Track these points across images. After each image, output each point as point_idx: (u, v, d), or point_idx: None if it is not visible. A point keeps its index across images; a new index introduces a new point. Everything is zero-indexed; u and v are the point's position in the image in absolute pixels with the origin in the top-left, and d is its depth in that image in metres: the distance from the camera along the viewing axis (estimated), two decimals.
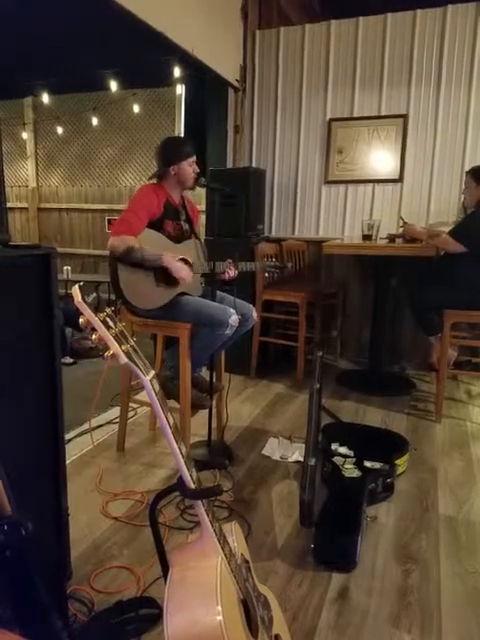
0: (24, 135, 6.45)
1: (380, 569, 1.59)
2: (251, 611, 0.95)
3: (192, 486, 0.92)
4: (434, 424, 2.76)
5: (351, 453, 2.21)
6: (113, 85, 4.96)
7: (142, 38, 2.76)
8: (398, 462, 2.12)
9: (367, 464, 2.10)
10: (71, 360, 3.76)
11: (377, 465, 2.09)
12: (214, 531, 0.92)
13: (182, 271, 2.10)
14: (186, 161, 2.19)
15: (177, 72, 4.36)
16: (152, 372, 0.91)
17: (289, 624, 1.29)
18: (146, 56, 3.76)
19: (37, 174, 6.61)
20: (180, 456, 0.91)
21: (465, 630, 1.36)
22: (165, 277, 2.12)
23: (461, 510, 1.93)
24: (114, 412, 2.71)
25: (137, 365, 0.88)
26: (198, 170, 2.22)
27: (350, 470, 2.07)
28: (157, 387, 0.91)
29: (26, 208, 6.72)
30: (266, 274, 2.47)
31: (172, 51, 3.11)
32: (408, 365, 3.72)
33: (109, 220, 6.24)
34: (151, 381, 0.90)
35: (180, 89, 5.46)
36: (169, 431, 0.91)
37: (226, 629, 0.81)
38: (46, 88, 5.46)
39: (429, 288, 2.94)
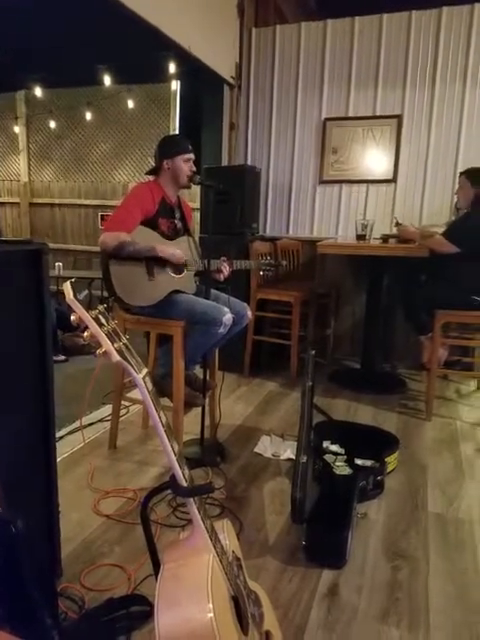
0: (16, 129, 6.40)
1: (370, 566, 1.61)
2: (242, 608, 0.96)
3: (184, 484, 0.92)
4: (424, 422, 2.78)
5: (342, 451, 2.23)
6: (107, 80, 4.93)
7: (138, 33, 2.75)
8: (388, 460, 2.13)
9: (358, 462, 2.12)
10: (63, 357, 3.74)
11: (368, 463, 2.11)
12: (206, 528, 0.93)
13: (177, 253, 2.10)
14: (180, 157, 2.18)
15: (172, 68, 4.36)
16: (145, 370, 0.91)
17: (280, 620, 1.30)
18: (141, 52, 3.74)
19: (29, 169, 6.56)
20: (172, 454, 0.91)
21: (452, 626, 1.38)
22: (159, 270, 2.11)
23: (450, 508, 1.95)
24: (106, 410, 2.71)
25: (130, 363, 0.88)
26: (194, 169, 2.22)
27: (341, 468, 2.08)
28: (150, 385, 0.91)
29: (18, 203, 6.68)
30: (261, 273, 2.48)
31: (168, 47, 3.10)
32: (399, 364, 3.74)
33: (102, 216, 6.21)
34: (144, 379, 0.90)
35: (175, 85, 5.45)
36: (162, 429, 0.91)
37: (217, 626, 0.81)
38: (39, 82, 5.42)
39: (421, 288, 2.96)
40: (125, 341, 0.89)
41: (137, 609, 1.36)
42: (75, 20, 3.61)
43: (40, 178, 6.57)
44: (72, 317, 0.84)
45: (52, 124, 6.14)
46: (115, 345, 0.85)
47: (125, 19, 2.53)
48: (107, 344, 0.84)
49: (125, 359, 0.87)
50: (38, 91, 5.53)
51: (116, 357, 0.85)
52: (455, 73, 3.43)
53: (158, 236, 2.16)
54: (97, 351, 0.86)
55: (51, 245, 1.32)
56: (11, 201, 6.70)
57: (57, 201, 6.50)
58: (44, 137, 6.41)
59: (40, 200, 6.58)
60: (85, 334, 0.86)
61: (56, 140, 6.35)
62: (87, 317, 0.84)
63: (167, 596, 0.85)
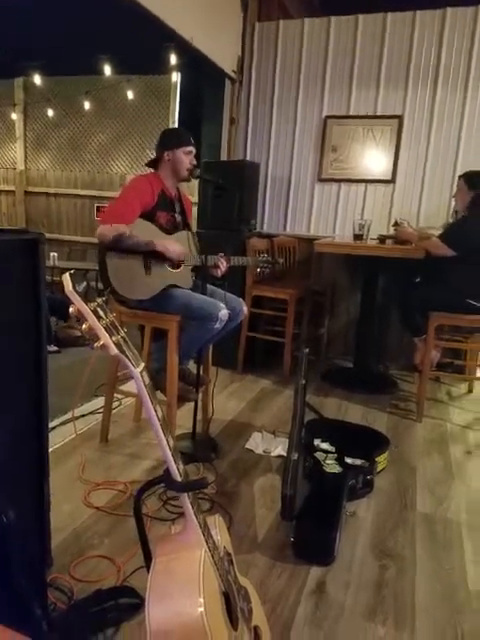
0: (13, 116, 6.33)
1: (357, 564, 1.62)
2: (232, 603, 0.97)
3: (179, 479, 0.93)
4: (415, 423, 2.80)
5: (333, 449, 2.24)
6: (107, 70, 4.89)
7: (140, 23, 2.72)
8: (378, 459, 2.15)
9: (348, 460, 2.13)
10: (56, 348, 3.72)
11: (358, 462, 2.12)
12: (199, 523, 0.93)
13: (177, 249, 2.09)
14: (181, 149, 2.18)
15: (174, 60, 4.32)
16: (142, 364, 0.91)
17: (268, 616, 1.31)
18: (143, 42, 3.71)
19: (26, 157, 6.50)
20: (168, 449, 0.92)
21: (438, 624, 1.39)
22: (156, 263, 2.11)
23: (439, 508, 1.97)
24: (98, 402, 2.70)
25: (128, 357, 0.88)
26: (195, 162, 2.21)
27: (331, 466, 2.10)
28: (147, 379, 0.91)
29: (13, 191, 6.61)
30: (258, 270, 2.48)
31: (169, 38, 3.08)
32: (392, 365, 3.76)
33: (98, 207, 6.16)
34: (141, 373, 0.90)
35: (176, 77, 5.40)
36: (157, 423, 0.91)
37: (207, 620, 0.82)
38: (38, 69, 5.35)
39: (416, 290, 2.97)
40: (123, 334, 0.89)
41: (126, 601, 1.37)
42: (76, 8, 3.57)
43: (36, 167, 6.50)
44: (71, 309, 0.84)
45: (50, 112, 6.07)
46: (113, 338, 0.85)
47: (127, 8, 2.50)
48: (105, 337, 0.84)
49: (123, 353, 0.87)
50: (37, 78, 5.47)
51: (114, 350, 0.85)
52: (457, 75, 3.43)
53: (156, 229, 2.15)
54: (95, 344, 0.85)
55: (46, 235, 1.30)
56: (6, 189, 6.64)
57: (53, 190, 6.44)
58: (41, 125, 6.34)
59: (35, 189, 6.52)
60: (83, 326, 0.85)
61: (53, 129, 6.29)
62: (86, 309, 0.83)
63: (159, 589, 0.85)
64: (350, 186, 3.77)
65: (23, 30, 4.09)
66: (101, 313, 0.86)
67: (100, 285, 2.12)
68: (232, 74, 3.74)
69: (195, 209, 3.79)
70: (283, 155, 3.90)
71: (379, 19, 3.52)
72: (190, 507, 0.93)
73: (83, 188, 6.30)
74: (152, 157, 2.27)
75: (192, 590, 0.84)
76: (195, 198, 3.96)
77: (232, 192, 3.25)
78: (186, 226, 2.33)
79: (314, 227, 3.91)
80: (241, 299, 2.30)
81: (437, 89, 3.47)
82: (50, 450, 1.45)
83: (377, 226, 3.50)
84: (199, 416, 2.35)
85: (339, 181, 3.78)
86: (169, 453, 0.92)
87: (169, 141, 2.20)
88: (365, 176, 3.70)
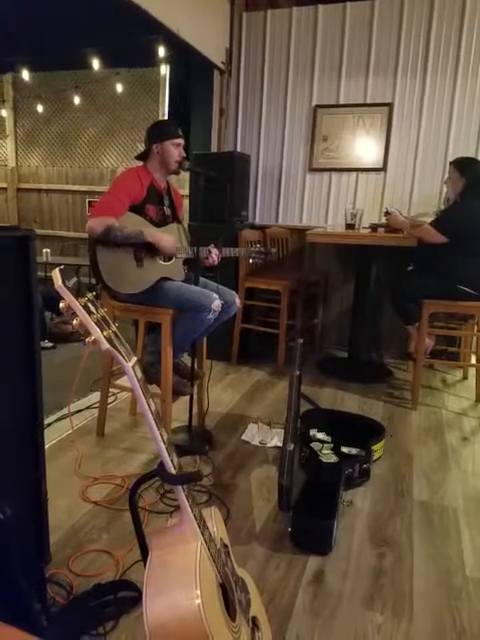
0: (3, 113, 6.26)
1: (355, 552, 1.63)
2: (229, 594, 0.97)
3: (173, 471, 0.93)
4: (410, 411, 2.81)
5: (329, 439, 2.25)
6: (96, 64, 4.84)
7: (126, 15, 2.69)
8: (374, 448, 2.16)
9: (344, 450, 2.14)
10: (50, 344, 3.71)
11: (354, 451, 2.14)
12: (194, 516, 0.93)
13: (167, 242, 2.08)
14: (170, 141, 2.16)
15: (162, 52, 4.27)
16: (134, 358, 0.91)
17: (266, 606, 1.32)
18: (130, 35, 3.66)
19: (17, 153, 6.44)
20: (161, 442, 0.91)
21: (436, 611, 1.41)
22: (147, 256, 2.10)
23: (435, 495, 1.98)
24: (94, 397, 2.70)
25: (119, 351, 0.87)
26: (184, 154, 2.19)
27: (327, 455, 2.11)
28: (139, 373, 0.91)
29: (5, 188, 6.55)
30: (251, 260, 2.47)
31: (157, 30, 3.04)
32: (386, 353, 3.77)
33: (90, 202, 6.12)
34: (133, 367, 0.89)
35: (164, 70, 5.36)
36: (151, 417, 0.91)
37: (205, 612, 0.82)
38: (27, 65, 5.29)
39: (408, 278, 2.98)
40: (114, 329, 0.88)
41: (125, 594, 1.37)
42: (63, 1, 3.52)
43: (27, 163, 6.45)
44: (61, 304, 0.83)
45: (40, 108, 6.01)
46: (104, 333, 0.85)
47: (114, 0, 2.47)
48: (96, 332, 0.84)
49: (114, 347, 0.86)
50: (25, 74, 5.41)
51: (105, 345, 0.84)
52: (446, 61, 3.42)
53: (146, 222, 2.14)
54: (86, 339, 0.85)
55: (38, 231, 1.30)
56: None
57: (45, 186, 6.39)
58: (31, 121, 6.28)
59: (27, 185, 6.47)
60: (74, 322, 0.85)
61: (44, 124, 6.23)
62: (76, 304, 0.83)
63: (155, 583, 0.86)
64: (341, 175, 3.76)
65: (10, 26, 4.03)
66: (92, 308, 0.85)
67: (93, 280, 2.11)
68: (220, 65, 3.71)
69: (186, 202, 3.78)
70: (273, 145, 3.88)
71: (367, 6, 3.50)
72: (185, 500, 0.93)
73: (74, 183, 6.26)
74: (142, 150, 2.26)
75: (188, 583, 0.84)
76: (186, 191, 3.94)
77: (223, 184, 3.24)
78: (176, 219, 2.31)
79: (306, 217, 3.90)
80: (234, 291, 2.30)
81: (427, 75, 3.46)
82: (47, 446, 1.45)
83: (369, 215, 3.50)
84: (194, 409, 2.35)
85: (330, 170, 3.77)
86: (163, 446, 0.92)
87: (157, 134, 2.18)
88: (356, 165, 3.69)
